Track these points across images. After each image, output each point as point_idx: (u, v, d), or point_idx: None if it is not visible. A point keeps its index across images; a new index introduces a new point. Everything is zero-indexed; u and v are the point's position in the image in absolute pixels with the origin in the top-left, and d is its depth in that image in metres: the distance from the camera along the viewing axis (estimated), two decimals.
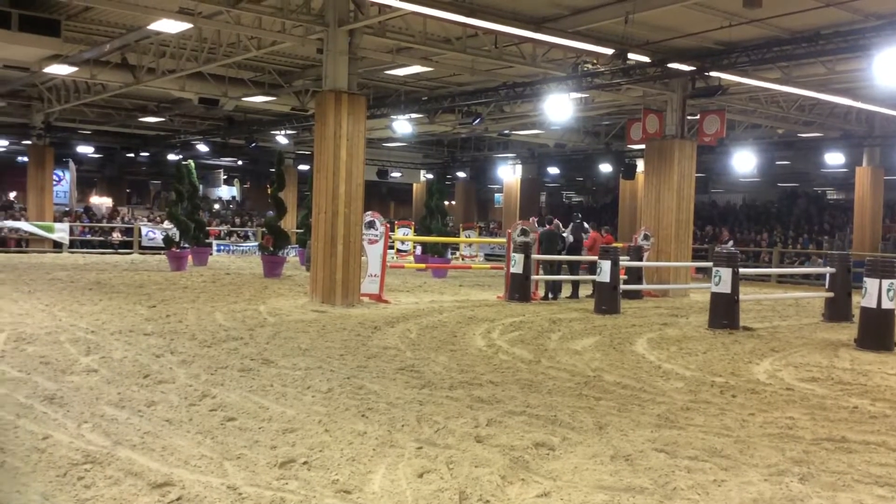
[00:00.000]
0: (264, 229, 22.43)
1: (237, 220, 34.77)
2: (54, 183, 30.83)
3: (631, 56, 14.89)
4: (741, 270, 12.62)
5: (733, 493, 4.64)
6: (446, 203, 28.07)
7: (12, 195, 35.85)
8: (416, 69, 18.95)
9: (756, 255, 27.67)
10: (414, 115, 23.22)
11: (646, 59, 15.52)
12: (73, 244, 27.87)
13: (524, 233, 16.44)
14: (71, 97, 23.53)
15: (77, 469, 4.64)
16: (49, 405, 6.11)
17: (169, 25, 14.92)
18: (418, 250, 25.82)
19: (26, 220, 27.74)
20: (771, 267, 25.60)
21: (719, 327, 12.11)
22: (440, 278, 21.89)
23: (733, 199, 37.52)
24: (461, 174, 39.29)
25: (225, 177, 44.18)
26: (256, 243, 29.21)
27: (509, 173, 35.50)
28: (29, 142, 28.64)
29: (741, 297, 12.48)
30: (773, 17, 13.76)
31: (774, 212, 33.44)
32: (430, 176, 37.86)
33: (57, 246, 27.28)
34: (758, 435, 5.96)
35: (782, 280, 24.85)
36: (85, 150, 35.24)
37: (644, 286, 17.69)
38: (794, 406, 7.03)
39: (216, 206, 40.60)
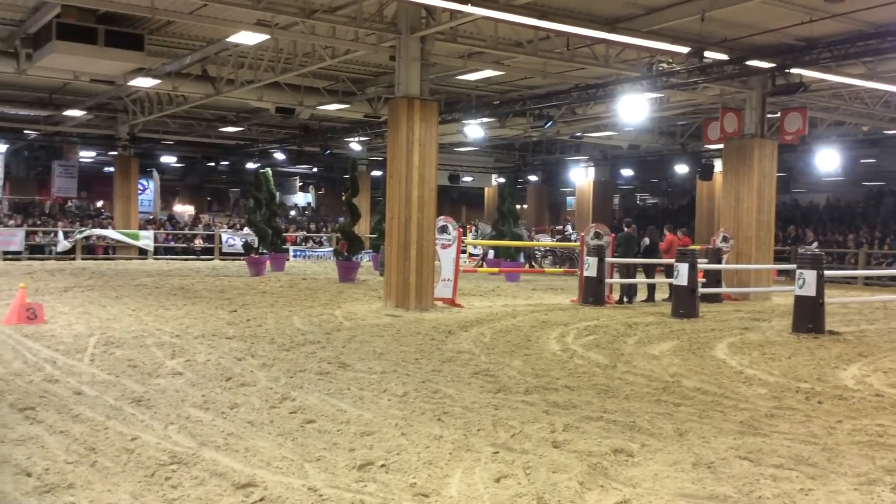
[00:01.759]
0: (339, 235, 22.77)
1: (312, 226, 35.39)
2: (139, 192, 31.96)
3: (708, 54, 14.58)
4: (826, 273, 12.21)
5: (821, 502, 4.49)
6: (518, 207, 28.01)
7: (99, 204, 37.33)
8: (488, 73, 18.96)
9: (841, 257, 26.71)
10: (485, 120, 23.22)
11: (723, 57, 15.16)
12: (157, 251, 28.86)
13: (598, 236, 16.27)
14: (154, 109, 24.35)
15: (164, 469, 4.79)
16: (137, 407, 6.33)
17: (247, 37, 15.31)
18: (490, 254, 25.79)
19: (113, 228, 28.83)
20: (857, 269, 24.69)
21: (804, 331, 11.73)
22: (513, 282, 21.83)
23: (816, 198, 36.33)
24: (533, 177, 39.10)
25: (300, 184, 45.02)
26: (331, 249, 29.70)
27: (581, 176, 35.16)
28: (115, 152, 29.78)
29: (826, 300, 12.08)
30: (856, 11, 13.31)
31: (860, 212, 32.24)
32: (502, 180, 37.76)
33: (142, 253, 28.29)
34: (846, 443, 5.76)
35: (869, 282, 23.94)
36: (168, 159, 36.48)
37: (723, 289, 17.28)
38: (884, 413, 6.76)
39: (292, 213, 41.44)
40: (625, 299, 16.37)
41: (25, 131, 29.97)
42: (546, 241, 30.08)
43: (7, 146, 32.06)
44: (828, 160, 24.69)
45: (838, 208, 33.90)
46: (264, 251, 22.49)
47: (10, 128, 29.27)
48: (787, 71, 15.36)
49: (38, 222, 28.63)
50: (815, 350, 10.33)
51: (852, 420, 6.47)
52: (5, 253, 25.45)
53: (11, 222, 27.55)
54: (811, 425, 6.25)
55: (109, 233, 28.25)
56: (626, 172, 35.93)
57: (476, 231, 29.98)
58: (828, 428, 6.18)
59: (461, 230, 16.26)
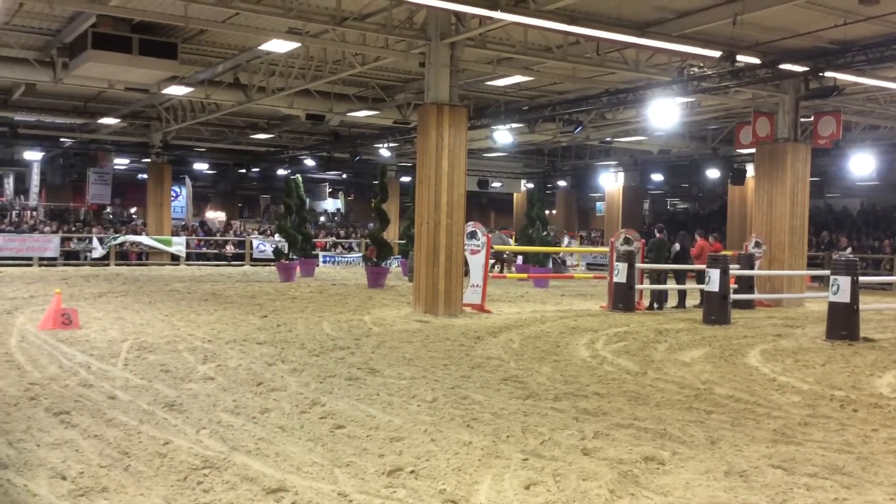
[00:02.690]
0: (368, 241, 22.85)
1: (342, 232, 35.56)
2: (172, 198, 32.32)
3: (740, 58, 14.45)
4: (860, 279, 12.03)
5: None
6: (547, 212, 27.90)
7: (133, 210, 37.84)
8: (517, 79, 18.94)
9: (876, 263, 26.27)
10: (514, 125, 23.19)
11: (756, 61, 15.02)
12: (189, 257, 29.16)
13: (628, 241, 16.17)
14: (187, 116, 24.64)
15: (196, 474, 4.84)
16: (169, 411, 6.40)
17: (278, 45, 15.45)
18: (519, 260, 25.74)
19: (146, 234, 29.19)
20: (892, 275, 24.26)
21: (838, 338, 11.56)
22: (542, 288, 21.76)
23: (850, 203, 35.76)
24: (562, 183, 38.94)
25: (330, 190, 45.26)
26: (360, 254, 29.80)
27: (611, 181, 34.98)
28: (148, 160, 30.17)
29: (861, 306, 11.89)
30: (892, 14, 13.09)
31: None
32: (531, 185, 37.70)
33: (174, 259, 28.59)
34: (882, 452, 5.66)
35: None
36: (200, 166, 36.90)
37: (756, 295, 17.08)
38: None
39: (322, 219, 41.67)
40: (655, 305, 16.25)
41: (61, 139, 30.50)
42: (574, 245, 29.98)
43: (43, 154, 32.63)
44: (862, 164, 24.32)
45: (873, 213, 33.33)
46: (294, 257, 22.65)
47: (46, 136, 29.80)
48: (820, 74, 15.16)
49: (73, 229, 29.08)
50: (850, 357, 10.17)
51: (888, 429, 6.36)
52: (41, 259, 25.88)
53: (47, 229, 28.02)
54: (846, 434, 6.16)
55: (143, 239, 28.62)
56: (657, 177, 35.66)
57: None
58: (863, 437, 6.08)
59: (489, 236, 16.22)
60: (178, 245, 28.86)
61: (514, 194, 41.32)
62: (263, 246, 29.93)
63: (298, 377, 7.97)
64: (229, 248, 31.07)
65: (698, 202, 45.23)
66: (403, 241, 25.37)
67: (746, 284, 16.84)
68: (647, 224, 33.90)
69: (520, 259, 25.83)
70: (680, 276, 17.29)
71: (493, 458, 5.29)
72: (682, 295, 17.02)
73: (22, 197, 34.64)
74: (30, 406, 6.48)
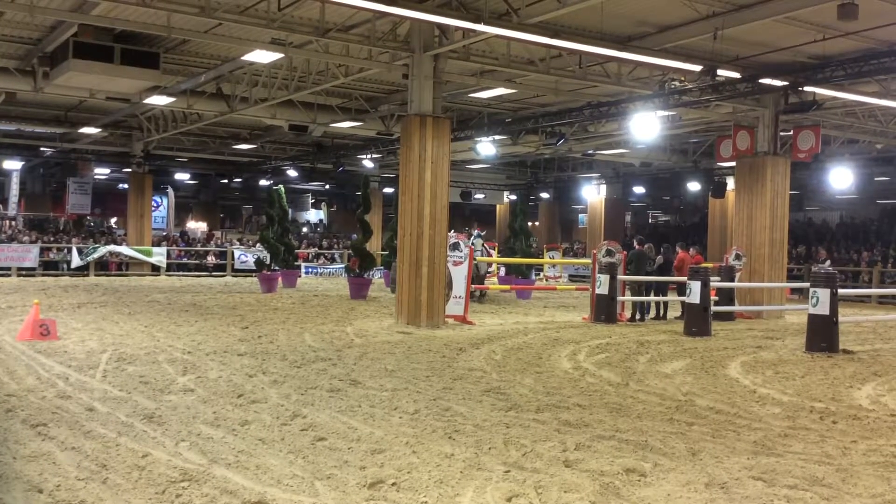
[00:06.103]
0: (350, 252, 22.81)
1: (324, 243, 35.46)
2: (153, 209, 32.10)
3: (720, 72, 14.59)
4: (839, 291, 12.14)
5: None
6: (530, 224, 27.99)
7: (113, 221, 37.57)
8: (500, 91, 19.02)
9: (855, 275, 26.53)
10: (497, 137, 23.26)
11: (736, 75, 15.17)
12: (170, 267, 28.95)
13: (610, 253, 16.23)
14: (169, 126, 24.53)
15: (175, 486, 4.79)
16: (148, 423, 6.34)
17: (261, 56, 15.42)
18: (502, 271, 25.76)
19: (126, 244, 28.96)
20: (871, 287, 24.50)
21: (817, 350, 11.64)
22: (524, 299, 21.79)
23: (830, 216, 36.15)
24: (545, 195, 39.11)
25: (313, 200, 45.17)
26: (343, 265, 29.73)
27: (593, 193, 35.16)
28: (129, 169, 29.98)
29: (840, 318, 11.99)
30: (870, 30, 13.29)
31: (874, 230, 32.03)
32: (514, 197, 37.80)
33: (155, 269, 28.37)
34: (861, 463, 5.70)
35: (883, 301, 23.74)
36: (182, 176, 36.71)
37: (736, 307, 17.19)
38: None
39: (304, 230, 41.53)
40: (637, 317, 16.31)
41: (41, 148, 30.28)
42: (557, 257, 30.05)
43: (23, 163, 32.36)
44: (841, 178, 24.53)
45: (852, 226, 33.70)
46: (276, 268, 22.56)
47: (26, 145, 29.57)
48: (800, 89, 15.36)
49: (53, 239, 28.81)
50: (829, 369, 10.25)
51: (867, 440, 6.41)
52: (19, 269, 25.61)
53: (26, 238, 27.74)
54: (825, 445, 6.20)
55: (123, 249, 28.39)
56: (639, 190, 35.93)
57: None
58: (842, 448, 6.12)
59: (472, 247, 16.22)
60: (159, 255, 28.66)
61: (498, 206, 41.45)
62: (245, 256, 29.79)
63: (279, 389, 7.92)
64: (211, 259, 30.90)
65: (679, 214, 45.54)
66: (386, 253, 25.33)
67: (727, 296, 16.95)
68: (628, 236, 34.07)
69: (503, 270, 25.86)
70: (661, 288, 17.37)
71: (475, 470, 5.27)
72: (664, 307, 17.09)
73: (1, 206, 34.31)
74: (6, 418, 6.40)
